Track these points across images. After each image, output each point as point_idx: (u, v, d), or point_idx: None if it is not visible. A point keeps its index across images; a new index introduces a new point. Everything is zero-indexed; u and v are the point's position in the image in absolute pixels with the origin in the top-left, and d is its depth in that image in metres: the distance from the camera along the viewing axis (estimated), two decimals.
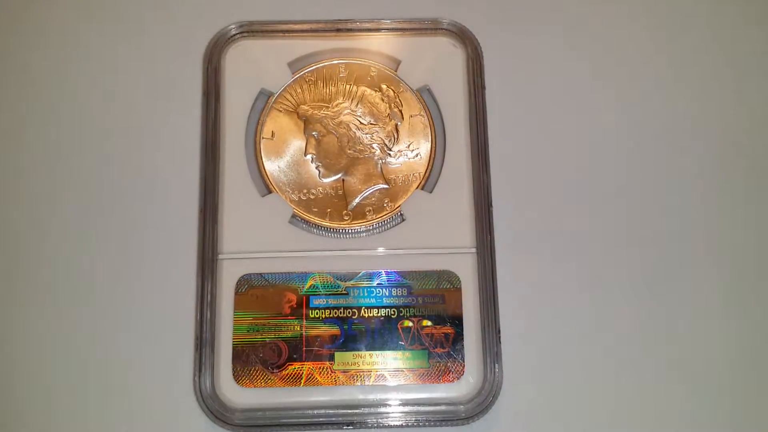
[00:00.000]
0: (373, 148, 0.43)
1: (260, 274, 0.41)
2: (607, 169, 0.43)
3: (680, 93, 0.45)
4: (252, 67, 0.44)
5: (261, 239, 0.41)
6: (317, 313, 0.40)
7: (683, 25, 0.46)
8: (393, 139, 0.43)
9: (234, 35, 0.44)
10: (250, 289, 0.40)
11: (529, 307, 0.41)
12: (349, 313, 0.40)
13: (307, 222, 0.42)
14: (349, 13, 0.45)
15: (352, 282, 0.41)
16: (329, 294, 0.40)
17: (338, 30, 0.44)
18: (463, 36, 0.44)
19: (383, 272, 0.41)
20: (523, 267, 0.42)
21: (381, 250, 0.41)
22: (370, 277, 0.41)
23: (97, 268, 0.41)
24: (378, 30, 0.45)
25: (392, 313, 0.40)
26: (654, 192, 0.43)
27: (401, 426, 0.39)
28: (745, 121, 0.44)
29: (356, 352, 0.40)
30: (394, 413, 0.39)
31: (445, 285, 0.41)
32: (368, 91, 0.44)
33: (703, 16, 0.46)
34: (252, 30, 0.44)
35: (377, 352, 0.40)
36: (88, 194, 0.42)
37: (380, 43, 0.44)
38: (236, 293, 0.40)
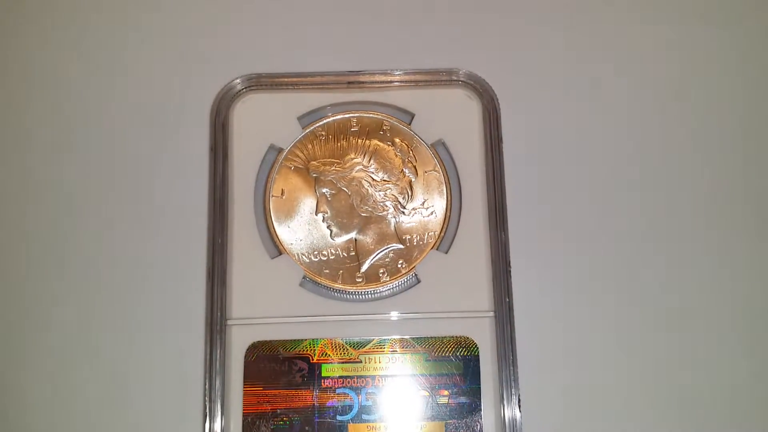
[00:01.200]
0: (386, 206, 0.41)
1: (270, 341, 0.39)
2: (632, 226, 0.42)
3: (705, 145, 0.43)
4: (261, 122, 0.42)
5: (271, 303, 0.40)
6: (329, 383, 0.39)
7: (706, 71, 0.44)
8: (407, 196, 0.42)
9: (242, 89, 0.43)
10: (260, 356, 0.39)
11: (551, 374, 0.39)
12: (362, 382, 0.39)
13: (318, 284, 0.40)
14: (361, 64, 0.43)
15: (365, 349, 0.39)
16: (342, 361, 0.39)
17: (349, 82, 0.43)
18: (479, 87, 0.43)
19: (398, 339, 0.39)
20: (545, 332, 0.40)
21: (395, 314, 0.40)
22: (384, 343, 0.39)
23: (102, 335, 0.40)
24: (390, 82, 0.43)
25: (407, 382, 0.39)
26: (680, 246, 0.42)
27: None
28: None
29: (370, 424, 0.38)
30: None
31: (462, 352, 0.39)
32: (381, 145, 0.42)
33: (729, 60, 0.44)
34: (260, 83, 0.43)
35: (392, 424, 0.38)
36: (91, 257, 0.41)
37: (393, 96, 0.43)
38: (246, 361, 0.39)
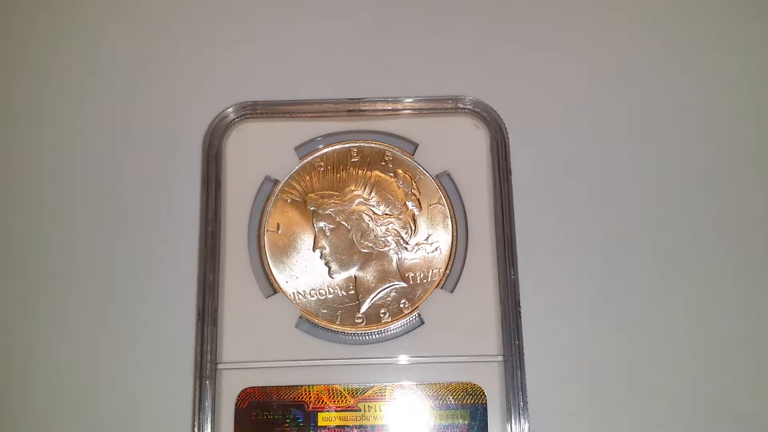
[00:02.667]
0: (388, 241, 0.39)
1: (263, 387, 0.37)
2: (650, 263, 0.39)
3: (725, 173, 0.41)
4: (255, 152, 0.40)
5: (264, 346, 0.37)
6: None
7: (723, 97, 0.42)
8: (410, 231, 0.39)
9: (236, 117, 0.40)
10: (252, 403, 0.36)
11: (566, 425, 0.37)
12: None
13: (315, 325, 0.38)
14: (362, 91, 0.41)
15: (365, 396, 0.37)
16: (340, 409, 0.36)
17: (350, 111, 0.41)
18: (487, 115, 0.40)
19: (400, 385, 0.37)
20: (558, 378, 0.38)
21: (397, 359, 0.37)
22: (385, 390, 0.37)
23: (84, 378, 0.38)
24: (393, 110, 0.41)
25: None
26: (700, 281, 0.39)
27: None
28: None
29: None
30: None
31: (469, 400, 0.36)
32: (383, 177, 0.40)
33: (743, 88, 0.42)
34: (255, 111, 0.41)
35: None
36: (76, 294, 0.39)
37: (396, 125, 0.41)
38: (237, 408, 0.36)
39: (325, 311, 0.38)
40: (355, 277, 0.39)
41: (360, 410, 0.36)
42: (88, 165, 0.41)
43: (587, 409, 0.37)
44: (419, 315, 0.38)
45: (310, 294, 0.38)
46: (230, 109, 0.40)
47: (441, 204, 0.40)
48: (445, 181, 0.40)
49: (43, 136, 0.41)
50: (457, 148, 0.40)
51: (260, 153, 0.40)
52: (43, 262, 0.39)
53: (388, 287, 0.39)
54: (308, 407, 0.36)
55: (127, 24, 0.43)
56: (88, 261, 0.39)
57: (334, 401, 0.37)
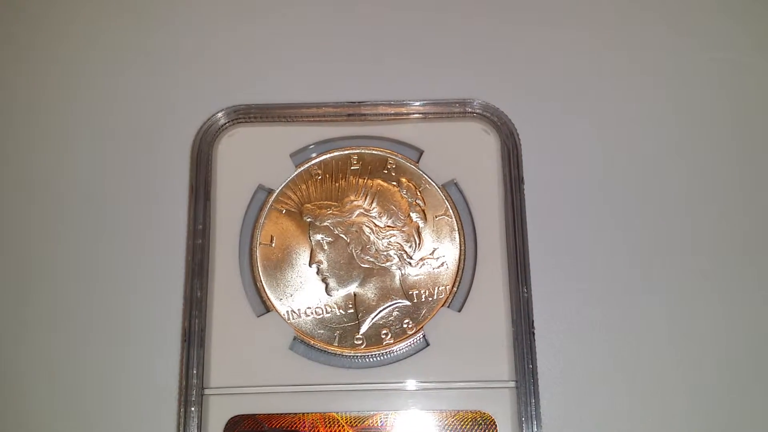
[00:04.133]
0: (390, 255, 0.36)
1: (254, 415, 0.34)
2: (671, 278, 0.36)
3: (749, 185, 0.38)
4: (248, 159, 0.37)
5: (256, 370, 0.34)
6: None
7: (747, 102, 0.39)
8: (414, 244, 0.36)
9: (227, 121, 0.38)
10: None
11: None
12: None
13: (311, 347, 0.35)
14: (363, 94, 0.38)
15: (364, 425, 0.34)
16: None
17: (350, 115, 0.38)
18: (497, 120, 0.38)
19: (402, 413, 0.34)
20: (575, 405, 0.34)
21: (400, 384, 0.34)
22: (387, 419, 0.34)
23: (63, 405, 0.35)
24: (396, 114, 0.38)
25: None
26: (724, 300, 0.36)
27: None
28: None
29: None
30: None
31: (478, 430, 0.33)
32: (385, 186, 0.37)
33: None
34: (248, 115, 0.38)
35: None
36: (54, 311, 0.36)
37: (399, 130, 0.38)
38: None
39: (321, 331, 0.35)
40: (355, 295, 0.36)
41: None
42: (66, 171, 0.38)
43: None
44: (424, 336, 0.35)
45: (305, 313, 0.35)
46: (221, 113, 0.38)
47: (448, 215, 0.37)
48: (452, 191, 0.37)
49: (19, 143, 0.39)
50: (465, 155, 0.37)
51: (253, 160, 0.37)
52: (21, 274, 0.37)
53: (390, 306, 0.36)
54: None
55: (115, 23, 0.41)
56: (65, 276, 0.36)
57: (331, 430, 0.34)
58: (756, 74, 0.40)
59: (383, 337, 0.35)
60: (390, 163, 0.37)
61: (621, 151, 0.38)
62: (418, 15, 0.40)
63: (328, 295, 0.36)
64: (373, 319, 0.35)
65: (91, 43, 0.40)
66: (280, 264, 0.36)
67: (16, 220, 0.37)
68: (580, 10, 0.40)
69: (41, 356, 0.35)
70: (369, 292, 0.36)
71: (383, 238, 0.36)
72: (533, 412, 0.34)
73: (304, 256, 0.36)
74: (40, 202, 0.38)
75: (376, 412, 0.34)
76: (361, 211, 0.37)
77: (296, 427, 0.33)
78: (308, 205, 0.37)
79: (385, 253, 0.36)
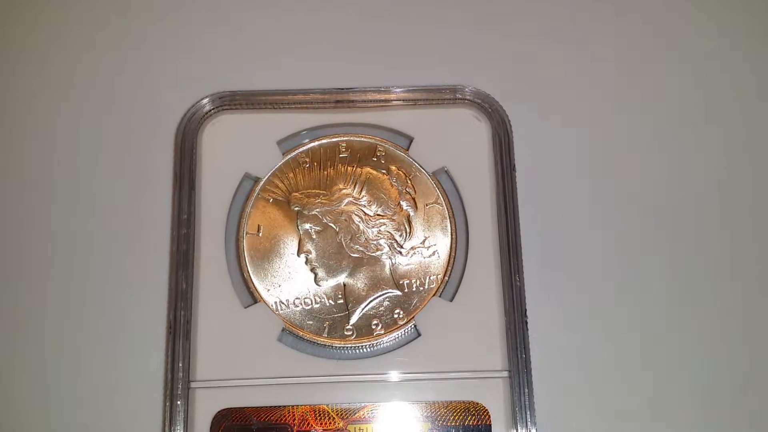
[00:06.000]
0: (380, 244, 0.35)
1: (242, 408, 0.33)
2: (663, 265, 0.36)
3: (739, 166, 0.37)
4: (234, 147, 0.37)
5: (243, 362, 0.34)
6: None
7: (744, 89, 0.39)
8: (405, 233, 0.36)
9: (212, 108, 0.37)
10: (229, 426, 0.33)
11: None
12: None
13: (300, 338, 0.34)
14: (351, 80, 0.37)
15: (355, 416, 0.33)
16: None
17: (338, 101, 0.37)
18: (488, 107, 0.37)
19: (393, 405, 0.33)
20: (568, 395, 0.34)
21: (391, 375, 0.34)
22: (378, 411, 0.33)
23: (43, 400, 0.34)
24: (385, 101, 0.37)
25: None
26: (717, 285, 0.36)
27: None
28: None
29: None
30: None
31: (471, 420, 0.33)
32: (374, 174, 0.36)
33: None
34: (234, 102, 0.37)
35: None
36: (36, 303, 0.35)
37: (388, 117, 0.37)
38: (212, 431, 0.33)
39: (311, 323, 0.34)
40: (344, 285, 0.35)
41: None
42: (47, 162, 0.37)
43: (600, 428, 0.34)
44: (415, 326, 0.35)
45: (294, 303, 0.35)
46: (206, 100, 0.37)
47: (438, 203, 0.36)
48: (443, 179, 0.37)
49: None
50: (456, 143, 0.37)
51: (239, 148, 0.37)
52: (3, 266, 0.36)
53: (380, 296, 0.35)
54: (292, 430, 0.33)
55: (96, 9, 0.39)
56: (48, 268, 0.35)
57: (321, 423, 0.33)
58: (759, 74, 0.39)
59: (374, 327, 0.34)
60: (379, 150, 0.37)
61: (613, 138, 0.38)
62: (407, 0, 0.40)
63: (317, 285, 0.35)
64: (363, 309, 0.35)
65: (71, 29, 0.39)
66: (267, 254, 0.35)
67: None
68: None
69: (26, 349, 0.34)
70: (359, 282, 0.35)
71: (373, 227, 0.36)
72: (526, 402, 0.33)
73: (292, 246, 0.35)
74: (20, 194, 0.36)
75: (366, 404, 0.33)
76: (350, 199, 0.36)
77: (286, 420, 0.33)
78: (296, 194, 0.36)
79: (375, 242, 0.35)
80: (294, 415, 0.33)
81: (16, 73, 0.38)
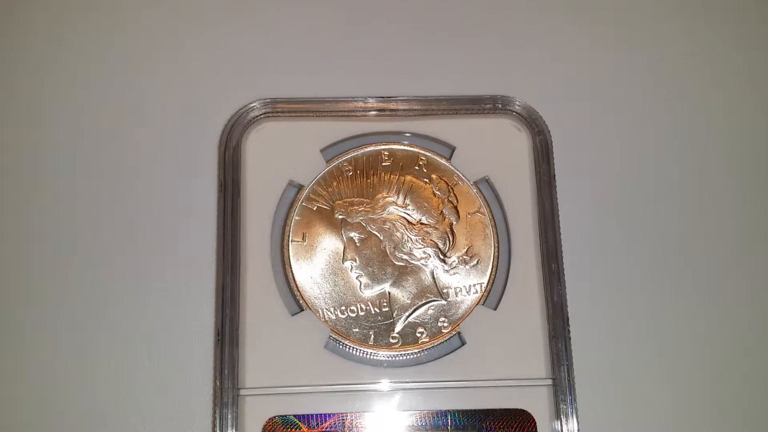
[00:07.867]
0: (425, 253, 0.36)
1: (292, 415, 0.33)
2: (706, 275, 0.37)
3: None
4: (278, 155, 0.37)
5: (291, 369, 0.34)
6: None
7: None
8: (448, 242, 0.36)
9: (257, 116, 0.37)
10: None
11: None
12: None
13: (347, 347, 0.35)
14: (394, 89, 0.38)
15: (405, 424, 0.33)
16: None
17: (381, 110, 0.37)
18: (529, 117, 0.37)
19: (440, 414, 0.34)
20: (612, 402, 0.35)
21: (437, 383, 0.34)
22: (425, 419, 0.33)
23: (93, 408, 0.34)
24: (427, 110, 0.37)
25: None
26: (759, 300, 0.36)
27: None
28: None
29: None
30: None
31: (518, 428, 0.33)
32: (417, 182, 0.37)
33: None
34: (278, 109, 0.37)
35: None
36: (83, 312, 0.35)
37: (430, 126, 0.37)
38: None
39: (356, 330, 0.35)
40: (389, 293, 0.35)
41: None
42: (90, 167, 0.37)
43: None
44: (460, 334, 0.35)
45: (340, 311, 0.35)
46: (252, 106, 0.37)
47: (481, 213, 0.36)
48: (485, 188, 0.37)
49: (42, 135, 0.37)
50: (497, 152, 0.37)
51: (283, 155, 0.37)
52: (43, 275, 0.35)
53: (424, 304, 0.35)
54: None
55: (141, 15, 0.39)
56: (96, 276, 0.35)
57: (370, 430, 0.33)
58: None
59: (419, 335, 0.35)
60: (421, 159, 0.37)
61: (652, 149, 0.38)
62: (450, 10, 0.40)
63: (362, 293, 0.35)
64: (407, 317, 0.35)
65: (117, 35, 0.39)
66: (312, 261, 0.36)
67: (45, 222, 0.36)
68: (610, 9, 0.40)
69: (76, 356, 0.34)
70: (403, 290, 0.36)
71: (417, 236, 0.36)
72: (570, 409, 0.34)
73: (336, 254, 0.36)
74: (67, 202, 0.36)
75: (414, 411, 0.34)
76: (394, 207, 0.36)
77: (335, 427, 0.33)
78: (340, 202, 0.36)
79: (419, 250, 0.36)
80: (343, 422, 0.33)
81: (64, 82, 0.38)
